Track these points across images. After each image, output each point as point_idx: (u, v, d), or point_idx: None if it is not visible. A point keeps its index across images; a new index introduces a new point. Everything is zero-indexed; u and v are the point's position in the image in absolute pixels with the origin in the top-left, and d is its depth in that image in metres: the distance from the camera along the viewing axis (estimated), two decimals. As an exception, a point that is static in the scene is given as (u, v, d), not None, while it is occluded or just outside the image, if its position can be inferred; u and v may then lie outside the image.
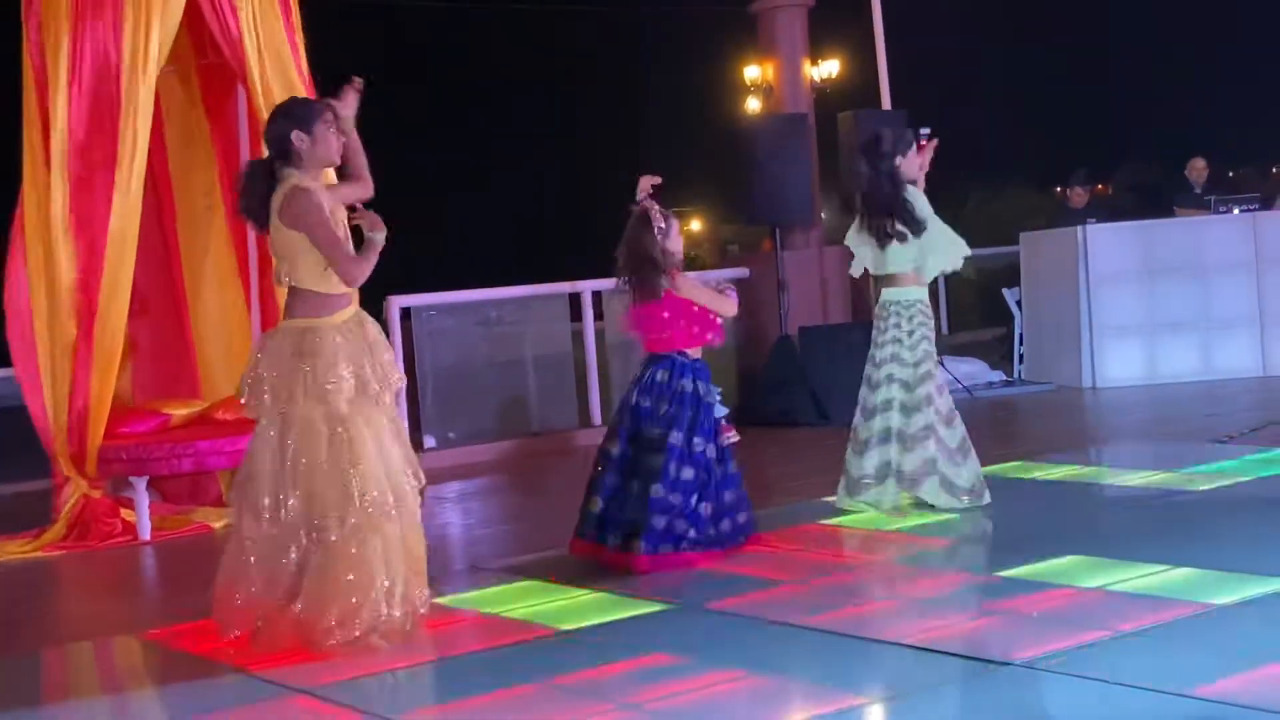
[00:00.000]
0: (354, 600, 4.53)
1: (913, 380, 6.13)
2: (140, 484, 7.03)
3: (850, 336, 9.77)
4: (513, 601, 5.13)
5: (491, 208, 31.15)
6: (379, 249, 4.72)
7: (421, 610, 4.70)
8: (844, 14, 13.06)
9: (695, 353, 5.55)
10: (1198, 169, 11.93)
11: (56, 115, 6.95)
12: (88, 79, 6.99)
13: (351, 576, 4.53)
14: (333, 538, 4.55)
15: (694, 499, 5.39)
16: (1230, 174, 14.16)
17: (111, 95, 7.00)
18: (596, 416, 9.82)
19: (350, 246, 4.73)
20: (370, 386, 4.65)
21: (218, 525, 7.27)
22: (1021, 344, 11.28)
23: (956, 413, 6.22)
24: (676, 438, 5.38)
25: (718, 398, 5.52)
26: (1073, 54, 29.88)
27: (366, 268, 4.68)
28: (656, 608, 4.88)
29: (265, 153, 4.75)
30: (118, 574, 6.53)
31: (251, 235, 7.87)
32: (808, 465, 7.75)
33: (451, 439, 9.37)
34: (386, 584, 4.58)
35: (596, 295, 9.97)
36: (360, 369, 4.64)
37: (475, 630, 4.87)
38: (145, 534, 7.02)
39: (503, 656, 4.47)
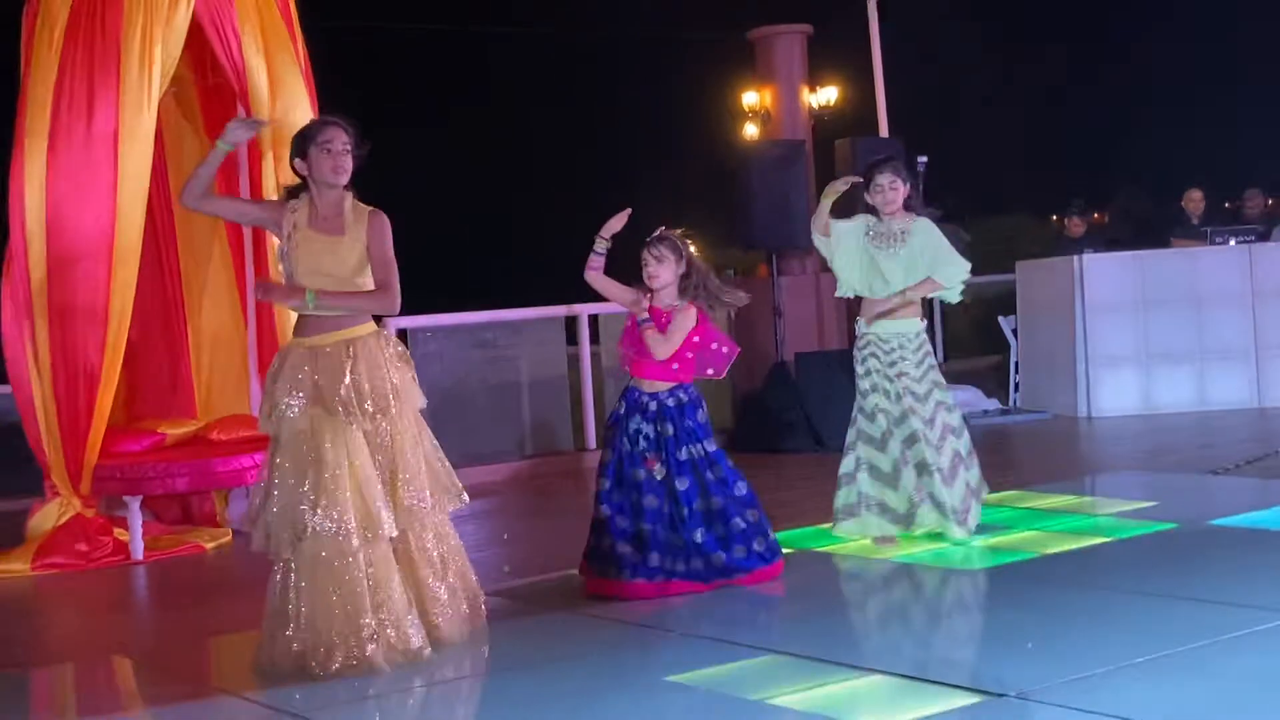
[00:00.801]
0: (342, 614, 4.50)
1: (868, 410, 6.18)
2: (134, 503, 7.01)
3: (846, 363, 9.74)
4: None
5: (488, 230, 31.17)
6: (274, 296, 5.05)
7: (416, 645, 4.60)
8: (842, 41, 13.12)
9: (651, 385, 5.53)
10: (1194, 200, 11.93)
11: (33, 159, 6.90)
12: (79, 121, 6.93)
13: (334, 592, 4.52)
14: (313, 553, 4.54)
15: (618, 518, 5.38)
16: (1226, 204, 14.15)
17: (107, 128, 6.95)
18: (592, 440, 9.81)
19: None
20: (334, 407, 4.61)
21: (210, 546, 7.26)
22: (1017, 372, 11.29)
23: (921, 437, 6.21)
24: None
25: (641, 423, 5.47)
26: (1071, 80, 30.01)
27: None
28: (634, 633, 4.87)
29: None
30: (109, 593, 6.50)
31: (249, 257, 7.88)
32: (802, 492, 7.74)
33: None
34: (380, 601, 4.54)
35: (593, 319, 9.98)
36: (323, 389, 4.63)
37: (469, 655, 4.85)
38: (138, 554, 6.99)
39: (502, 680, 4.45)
